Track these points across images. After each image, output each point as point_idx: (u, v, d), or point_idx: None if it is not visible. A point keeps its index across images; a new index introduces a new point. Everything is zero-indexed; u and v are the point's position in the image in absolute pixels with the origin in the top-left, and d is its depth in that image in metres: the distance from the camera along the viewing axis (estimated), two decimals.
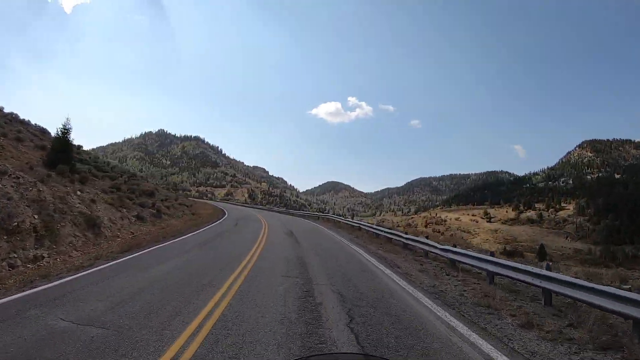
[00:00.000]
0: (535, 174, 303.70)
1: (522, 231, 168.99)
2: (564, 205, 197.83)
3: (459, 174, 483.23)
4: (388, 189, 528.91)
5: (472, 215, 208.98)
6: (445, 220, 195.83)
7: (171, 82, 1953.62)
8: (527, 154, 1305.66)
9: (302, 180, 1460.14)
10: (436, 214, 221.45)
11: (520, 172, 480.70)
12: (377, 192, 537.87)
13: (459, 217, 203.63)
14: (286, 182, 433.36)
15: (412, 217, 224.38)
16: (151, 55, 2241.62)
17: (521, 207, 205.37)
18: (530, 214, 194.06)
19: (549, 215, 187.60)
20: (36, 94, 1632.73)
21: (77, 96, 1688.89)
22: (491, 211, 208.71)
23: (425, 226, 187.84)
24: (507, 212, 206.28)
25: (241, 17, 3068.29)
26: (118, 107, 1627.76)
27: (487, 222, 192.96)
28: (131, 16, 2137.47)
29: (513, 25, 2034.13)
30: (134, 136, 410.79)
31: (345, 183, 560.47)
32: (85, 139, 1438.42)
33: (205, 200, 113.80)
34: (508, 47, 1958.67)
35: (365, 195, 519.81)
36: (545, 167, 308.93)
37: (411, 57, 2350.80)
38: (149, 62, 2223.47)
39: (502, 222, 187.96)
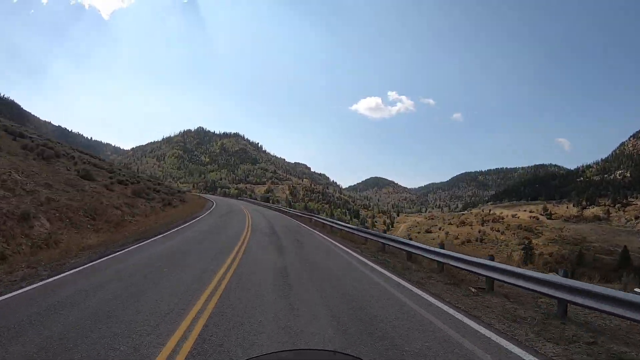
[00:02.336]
0: (588, 166, 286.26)
1: (590, 230, 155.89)
2: (632, 200, 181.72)
3: (505, 167, 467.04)
4: (432, 184, 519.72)
5: (530, 211, 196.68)
6: (502, 218, 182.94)
7: (211, 81, 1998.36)
8: (572, 147, 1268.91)
9: (345, 176, 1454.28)
10: (489, 211, 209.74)
11: (568, 165, 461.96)
12: (421, 187, 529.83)
13: (516, 214, 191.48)
14: (329, 178, 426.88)
15: (464, 215, 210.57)
16: (190, 55, 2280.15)
17: (583, 203, 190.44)
18: (595, 210, 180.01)
19: (616, 212, 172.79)
20: (78, 98, 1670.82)
21: (118, 98, 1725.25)
22: (550, 207, 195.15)
23: (482, 224, 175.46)
24: (567, 208, 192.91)
25: (278, 14, 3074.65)
26: (158, 107, 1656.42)
27: (548, 219, 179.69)
28: (168, 18, 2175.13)
29: (557, 14, 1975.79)
30: (172, 134, 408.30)
31: (389, 179, 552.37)
32: (126, 139, 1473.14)
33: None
34: (551, 37, 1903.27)
35: (409, 191, 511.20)
36: (599, 160, 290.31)
37: (451, 49, 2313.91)
38: (188, 62, 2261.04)
39: (565, 220, 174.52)
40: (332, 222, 27.64)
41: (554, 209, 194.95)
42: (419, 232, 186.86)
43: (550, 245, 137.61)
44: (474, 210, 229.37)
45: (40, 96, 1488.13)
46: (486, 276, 9.89)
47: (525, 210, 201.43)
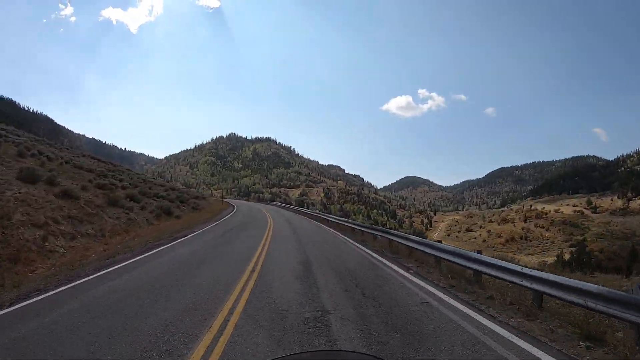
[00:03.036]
0: (629, 156, 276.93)
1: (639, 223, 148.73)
2: None
3: (542, 161, 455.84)
4: (468, 181, 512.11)
5: (573, 205, 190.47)
6: (545, 213, 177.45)
7: (240, 88, 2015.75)
8: (609, 136, 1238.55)
9: (379, 176, 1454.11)
10: (530, 206, 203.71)
11: (606, 155, 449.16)
12: (457, 185, 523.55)
13: (558, 209, 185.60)
14: (363, 179, 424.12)
15: (504, 212, 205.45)
16: (219, 63, 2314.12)
17: (629, 195, 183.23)
18: None
19: None
20: (111, 111, 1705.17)
21: (150, 109, 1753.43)
22: (593, 200, 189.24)
23: (525, 221, 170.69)
24: (612, 200, 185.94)
25: (304, 18, 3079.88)
26: (190, 116, 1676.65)
27: (593, 212, 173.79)
28: (195, 28, 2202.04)
29: (588, 2, 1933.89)
30: (205, 142, 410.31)
31: (424, 177, 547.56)
32: (159, 148, 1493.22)
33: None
34: (582, 25, 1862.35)
35: (445, 189, 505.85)
36: (638, 148, 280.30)
37: (480, 43, 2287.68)
38: (217, 70, 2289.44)
39: (611, 213, 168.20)
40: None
41: (598, 202, 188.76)
42: (459, 231, 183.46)
43: (598, 241, 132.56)
44: (514, 207, 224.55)
45: (74, 110, 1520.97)
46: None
47: (567, 205, 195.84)
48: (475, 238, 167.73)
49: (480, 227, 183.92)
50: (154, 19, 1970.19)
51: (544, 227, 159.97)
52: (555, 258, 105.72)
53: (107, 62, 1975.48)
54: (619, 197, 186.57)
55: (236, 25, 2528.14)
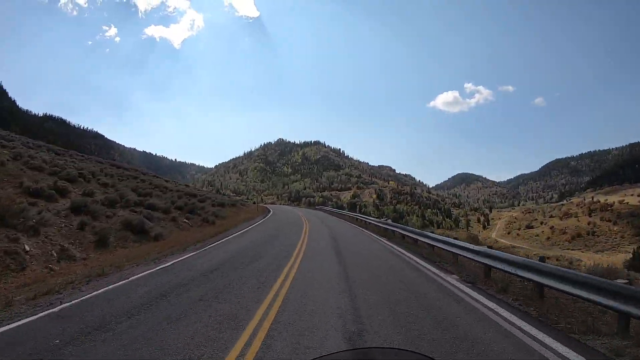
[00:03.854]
0: None
1: None
2: None
3: (598, 150, 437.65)
4: (522, 175, 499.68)
5: (638, 195, 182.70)
6: (610, 205, 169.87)
7: (286, 94, 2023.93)
8: None
9: (431, 175, 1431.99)
10: (592, 198, 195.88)
11: None
12: (511, 180, 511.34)
13: (623, 200, 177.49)
14: (414, 178, 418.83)
15: (564, 206, 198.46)
16: (262, 71, 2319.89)
17: None
18: None
19: None
20: (160, 124, 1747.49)
21: (198, 120, 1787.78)
22: None
23: (589, 215, 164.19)
24: None
25: (343, 19, 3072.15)
26: (237, 125, 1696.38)
27: None
28: (236, 39, 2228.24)
29: None
30: (253, 148, 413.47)
31: (476, 174, 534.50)
32: (209, 158, 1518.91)
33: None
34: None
35: (499, 184, 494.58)
36: None
37: (522, 30, 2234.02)
38: (261, 78, 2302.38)
39: None
40: None
41: None
42: (519, 229, 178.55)
43: None
44: (575, 200, 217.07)
45: (124, 126, 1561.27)
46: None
47: (632, 195, 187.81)
48: (537, 235, 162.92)
49: (541, 223, 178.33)
50: (195, 33, 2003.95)
51: (610, 221, 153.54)
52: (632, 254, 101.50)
53: (153, 77, 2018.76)
54: None
55: (276, 32, 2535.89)
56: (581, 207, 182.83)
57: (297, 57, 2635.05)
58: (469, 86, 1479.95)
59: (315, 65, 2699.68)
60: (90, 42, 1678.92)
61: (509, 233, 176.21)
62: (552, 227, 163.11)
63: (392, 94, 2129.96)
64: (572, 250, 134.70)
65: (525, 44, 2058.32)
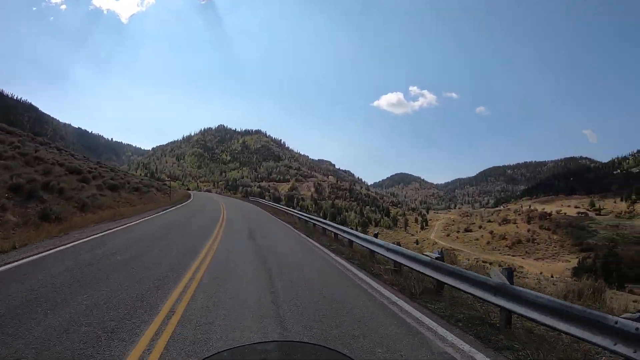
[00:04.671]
0: (624, 158, 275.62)
1: None
2: None
3: (534, 161, 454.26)
4: (459, 179, 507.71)
5: (575, 207, 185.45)
6: (548, 214, 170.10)
7: (232, 80, 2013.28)
8: (599, 139, 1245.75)
9: (370, 173, 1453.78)
10: (529, 206, 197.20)
11: (598, 157, 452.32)
12: (448, 183, 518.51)
13: (560, 210, 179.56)
14: (354, 175, 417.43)
15: (501, 212, 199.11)
16: (210, 55, 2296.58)
17: (633, 197, 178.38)
18: None
19: None
20: (100, 101, 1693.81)
21: (139, 100, 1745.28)
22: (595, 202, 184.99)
23: (528, 222, 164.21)
24: (615, 203, 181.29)
25: (298, 11, 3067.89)
26: (179, 108, 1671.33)
27: (597, 215, 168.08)
28: (186, 20, 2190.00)
29: (582, 2, 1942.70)
30: (193, 133, 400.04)
31: (415, 175, 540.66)
32: (147, 140, 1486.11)
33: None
34: (574, 28, 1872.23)
35: (436, 186, 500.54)
36: (633, 151, 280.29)
37: (472, 42, 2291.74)
38: (209, 63, 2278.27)
39: (617, 216, 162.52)
40: None
41: (599, 204, 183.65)
42: (458, 232, 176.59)
43: (610, 246, 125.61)
44: (511, 206, 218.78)
45: (62, 100, 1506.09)
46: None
47: (569, 206, 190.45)
48: (477, 239, 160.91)
49: (480, 227, 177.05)
50: (145, 9, 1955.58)
51: (549, 229, 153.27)
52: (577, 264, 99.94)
53: (97, 51, 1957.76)
54: (622, 200, 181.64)
55: (228, 17, 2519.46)
56: (519, 214, 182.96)
57: (246, 46, 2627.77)
58: (414, 89, 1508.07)
59: (263, 55, 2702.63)
60: (34, 9, 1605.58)
61: (448, 235, 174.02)
62: (491, 232, 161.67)
63: (337, 90, 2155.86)
64: (513, 256, 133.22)
65: (472, 54, 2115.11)
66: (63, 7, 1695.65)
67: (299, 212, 31.06)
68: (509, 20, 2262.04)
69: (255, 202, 63.86)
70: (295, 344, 2.47)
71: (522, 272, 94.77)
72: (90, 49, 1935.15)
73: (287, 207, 50.26)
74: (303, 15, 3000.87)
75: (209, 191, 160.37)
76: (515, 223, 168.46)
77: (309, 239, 18.69)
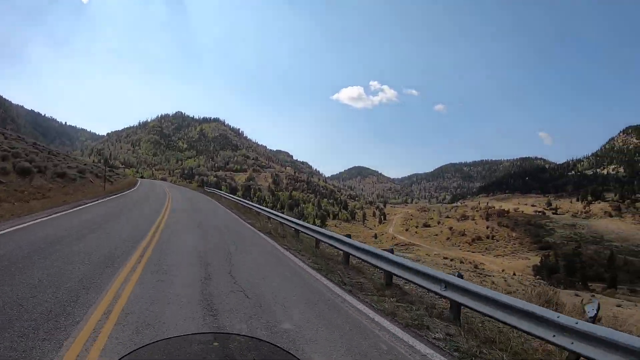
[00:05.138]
0: (579, 160, 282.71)
1: (605, 227, 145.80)
2: None
3: (490, 159, 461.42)
4: (416, 174, 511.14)
5: (532, 205, 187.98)
6: (507, 212, 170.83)
7: (191, 67, 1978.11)
8: (553, 140, 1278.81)
9: (327, 165, 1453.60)
10: (487, 203, 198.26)
11: (552, 158, 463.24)
12: (405, 177, 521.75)
13: (517, 208, 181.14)
14: (311, 167, 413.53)
15: (459, 208, 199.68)
16: (171, 40, 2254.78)
17: (589, 198, 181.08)
18: (602, 205, 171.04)
19: (627, 208, 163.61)
20: (55, 83, 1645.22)
21: (96, 83, 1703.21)
22: (550, 201, 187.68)
23: (487, 219, 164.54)
24: (571, 202, 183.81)
25: (259, 3, 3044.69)
26: (137, 93, 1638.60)
27: (554, 214, 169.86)
28: (149, 3, 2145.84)
29: (542, 4, 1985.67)
30: (149, 119, 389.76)
31: (372, 168, 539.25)
32: (102, 123, 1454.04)
33: None
34: (535, 30, 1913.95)
35: (393, 180, 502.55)
36: (588, 154, 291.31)
37: (432, 41, 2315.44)
38: (169, 48, 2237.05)
39: (573, 215, 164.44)
40: None
41: (555, 203, 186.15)
42: (416, 226, 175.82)
43: (569, 244, 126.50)
44: (469, 203, 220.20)
45: (15, 80, 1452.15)
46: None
47: (526, 204, 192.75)
48: (436, 235, 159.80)
49: (438, 222, 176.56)
50: None
51: (508, 227, 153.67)
52: (539, 262, 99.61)
53: (54, 31, 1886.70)
54: (578, 200, 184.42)
55: (192, 2, 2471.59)
56: (477, 210, 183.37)
57: (207, 33, 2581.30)
58: (374, 84, 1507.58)
59: (224, 43, 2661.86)
60: None
61: (406, 230, 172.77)
62: (450, 228, 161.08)
63: (297, 81, 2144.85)
64: (473, 252, 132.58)
65: (433, 52, 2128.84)
66: None
67: (276, 213, 20.62)
68: (468, 18, 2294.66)
69: (212, 194, 50.95)
70: (232, 336, 2.42)
71: (484, 270, 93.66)
72: (47, 27, 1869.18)
73: (244, 198, 45.92)
74: (265, 2, 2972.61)
75: (164, 179, 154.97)
76: (473, 219, 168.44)
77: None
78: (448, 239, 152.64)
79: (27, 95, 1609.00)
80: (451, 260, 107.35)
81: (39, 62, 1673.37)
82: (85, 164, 49.33)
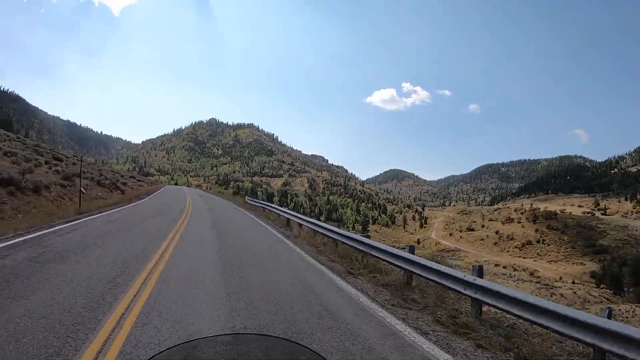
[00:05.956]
0: (621, 157, 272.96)
1: None
2: None
3: (529, 159, 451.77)
4: (453, 176, 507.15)
5: (578, 206, 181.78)
6: (554, 213, 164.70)
7: (225, 74, 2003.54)
8: (590, 138, 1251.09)
9: (363, 168, 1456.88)
10: (531, 205, 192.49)
11: (590, 156, 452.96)
12: (442, 180, 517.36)
13: (564, 209, 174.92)
14: (347, 170, 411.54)
15: (502, 210, 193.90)
16: (202, 48, 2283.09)
17: (638, 197, 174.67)
18: None
19: None
20: (90, 94, 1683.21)
21: (130, 93, 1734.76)
22: (598, 201, 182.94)
23: (534, 221, 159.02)
24: (620, 202, 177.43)
25: (291, 6, 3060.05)
26: (171, 101, 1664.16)
27: (603, 214, 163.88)
28: (179, 12, 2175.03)
29: (579, 2, 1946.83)
30: (183, 126, 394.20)
31: (408, 171, 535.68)
32: (137, 132, 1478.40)
33: None
34: (569, 28, 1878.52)
35: (430, 183, 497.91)
36: (630, 150, 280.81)
37: (464, 39, 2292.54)
38: (201, 56, 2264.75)
39: (623, 216, 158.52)
40: None
41: (605, 203, 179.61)
42: (460, 230, 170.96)
43: (625, 248, 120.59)
44: (511, 205, 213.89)
45: (52, 92, 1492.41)
46: None
47: (572, 205, 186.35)
48: (482, 239, 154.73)
49: (483, 226, 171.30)
50: (137, 1, 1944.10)
51: (558, 230, 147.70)
52: (598, 269, 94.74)
53: (88, 44, 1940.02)
54: (626, 199, 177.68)
55: (221, 10, 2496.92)
56: (522, 212, 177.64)
57: (239, 39, 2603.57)
58: (406, 86, 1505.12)
59: (257, 48, 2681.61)
60: (25, 0, 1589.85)
61: (450, 234, 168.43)
62: (497, 232, 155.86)
63: (329, 85, 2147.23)
64: (524, 258, 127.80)
65: (466, 52, 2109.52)
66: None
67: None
68: (503, 17, 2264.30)
69: (257, 209, 29.52)
70: (255, 336, 2.50)
71: (539, 278, 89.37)
72: (81, 41, 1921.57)
73: (281, 205, 36.20)
74: (295, 8, 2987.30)
75: (199, 186, 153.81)
76: (519, 222, 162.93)
77: None
78: (495, 243, 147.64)
79: (64, 107, 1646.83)
80: (504, 267, 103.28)
81: (73, 75, 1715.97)
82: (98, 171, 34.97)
